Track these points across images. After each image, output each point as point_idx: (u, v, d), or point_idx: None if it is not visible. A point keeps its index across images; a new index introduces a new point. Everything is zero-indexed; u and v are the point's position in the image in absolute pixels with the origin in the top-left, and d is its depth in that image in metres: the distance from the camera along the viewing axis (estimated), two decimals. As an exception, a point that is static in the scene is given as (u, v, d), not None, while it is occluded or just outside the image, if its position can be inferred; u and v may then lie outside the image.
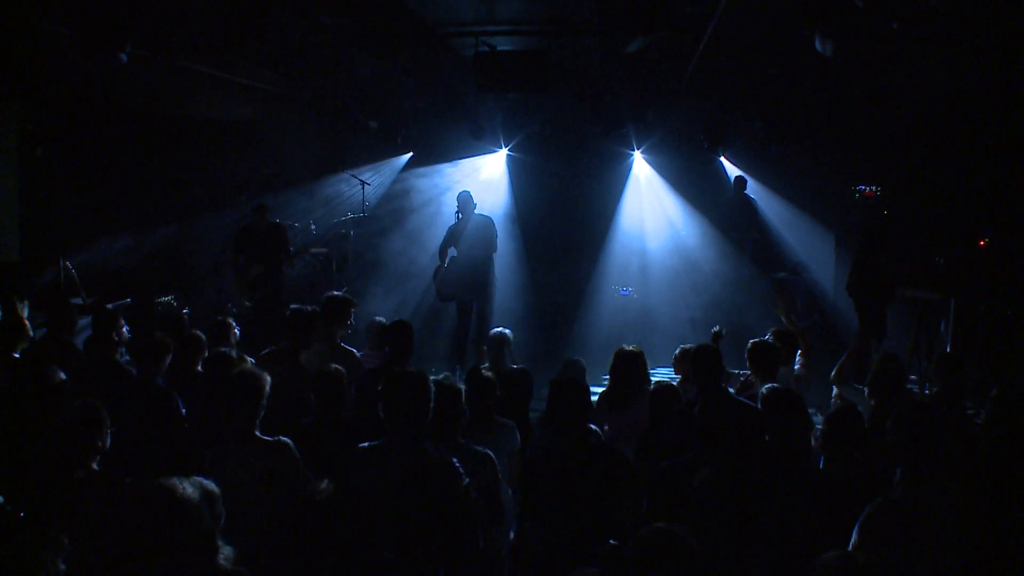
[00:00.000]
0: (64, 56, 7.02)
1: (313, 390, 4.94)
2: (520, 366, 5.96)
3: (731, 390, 5.36)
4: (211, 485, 3.14)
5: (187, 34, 6.73)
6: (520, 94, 9.15)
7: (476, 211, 9.04)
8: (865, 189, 10.82)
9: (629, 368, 5.33)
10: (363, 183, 11.60)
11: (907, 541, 3.07)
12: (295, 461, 4.01)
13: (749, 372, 5.60)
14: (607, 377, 5.74)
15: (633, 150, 12.52)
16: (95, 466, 3.80)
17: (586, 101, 11.38)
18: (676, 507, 3.12)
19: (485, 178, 12.81)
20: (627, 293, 11.82)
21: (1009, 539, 3.38)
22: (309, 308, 5.96)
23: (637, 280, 12.09)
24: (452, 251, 9.00)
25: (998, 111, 9.23)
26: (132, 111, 9.79)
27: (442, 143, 12.28)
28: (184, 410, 5.03)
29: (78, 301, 8.38)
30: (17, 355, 5.67)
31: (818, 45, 5.22)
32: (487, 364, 6.09)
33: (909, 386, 6.27)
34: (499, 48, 7.59)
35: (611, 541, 2.61)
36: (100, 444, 3.87)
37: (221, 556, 2.82)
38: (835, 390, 5.81)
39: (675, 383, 6.09)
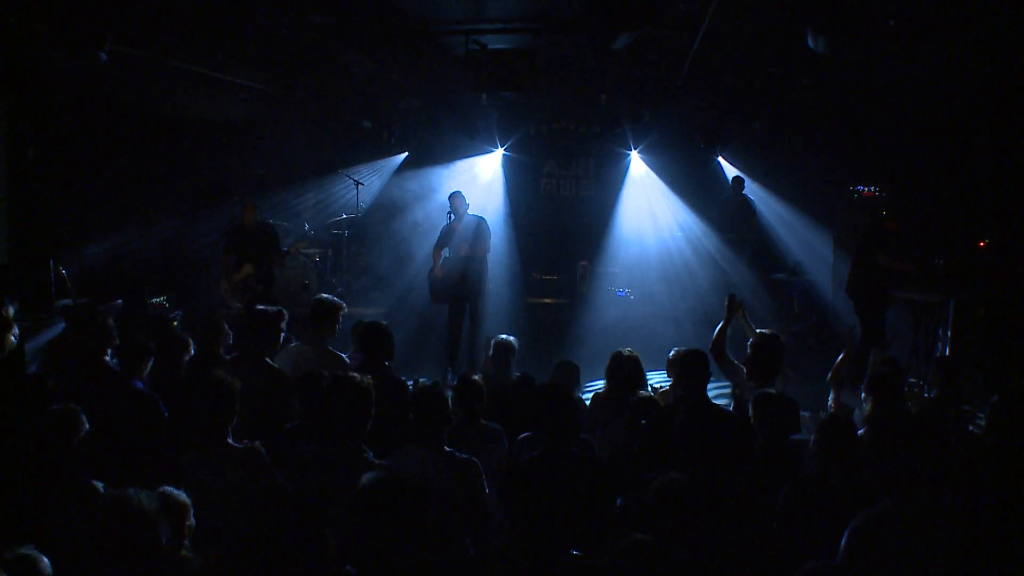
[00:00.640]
0: (51, 54, 6.95)
1: (298, 394, 4.87)
2: (522, 373, 5.87)
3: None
4: (181, 496, 3.08)
5: (171, 32, 6.64)
6: (514, 93, 9.06)
7: (469, 211, 8.98)
8: (864, 189, 10.74)
9: (624, 372, 5.24)
10: (357, 183, 11.54)
11: (896, 553, 3.00)
12: (267, 468, 3.94)
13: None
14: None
15: (630, 150, 12.47)
16: (74, 470, 3.75)
17: (582, 100, 11.33)
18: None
19: (480, 178, 12.75)
20: (624, 295, 11.74)
21: (1011, 546, 3.31)
22: (273, 309, 5.89)
23: (634, 281, 12.01)
24: (445, 252, 8.94)
25: (997, 111, 9.15)
26: (124, 111, 9.73)
27: (437, 143, 12.22)
28: (167, 413, 4.95)
29: (68, 303, 8.31)
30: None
31: (811, 42, 5.14)
32: (493, 371, 6.02)
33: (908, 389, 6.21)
34: (490, 47, 7.52)
35: (573, 552, 2.52)
36: (78, 449, 3.81)
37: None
38: (832, 393, 5.73)
39: (668, 386, 6.04)
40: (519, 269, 12.42)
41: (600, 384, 6.14)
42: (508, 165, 12.85)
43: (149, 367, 5.29)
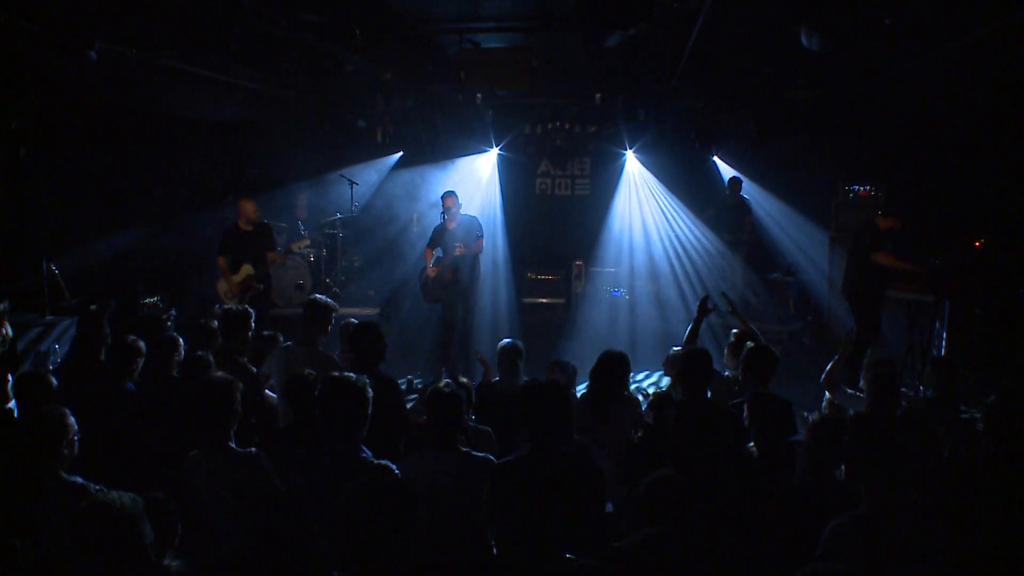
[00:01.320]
0: (42, 54, 6.89)
1: (287, 395, 4.84)
2: (530, 378, 5.83)
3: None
4: (165, 499, 3.04)
5: (163, 30, 6.59)
6: (508, 92, 9.05)
7: (462, 210, 8.94)
8: (859, 189, 10.73)
9: (608, 371, 5.19)
10: (352, 183, 11.50)
11: (871, 558, 2.96)
12: (267, 473, 3.91)
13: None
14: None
15: (625, 149, 12.44)
16: (63, 473, 3.72)
17: (577, 100, 11.30)
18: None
19: (475, 178, 12.71)
20: (619, 294, 11.72)
21: (1011, 545, 3.29)
22: (238, 308, 5.90)
23: (629, 281, 11.99)
24: (438, 251, 8.91)
25: (994, 111, 9.14)
26: (116, 111, 9.66)
27: (431, 142, 12.18)
28: (160, 414, 4.91)
29: (60, 303, 8.29)
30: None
31: (804, 40, 5.12)
32: (501, 375, 5.99)
33: (904, 390, 6.17)
34: (484, 46, 7.49)
35: (568, 555, 2.48)
36: (67, 452, 3.78)
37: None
38: (827, 395, 5.71)
39: (665, 387, 6.01)
40: (513, 269, 12.40)
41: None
42: (503, 164, 12.82)
43: (139, 368, 5.26)
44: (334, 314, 6.07)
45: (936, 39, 6.99)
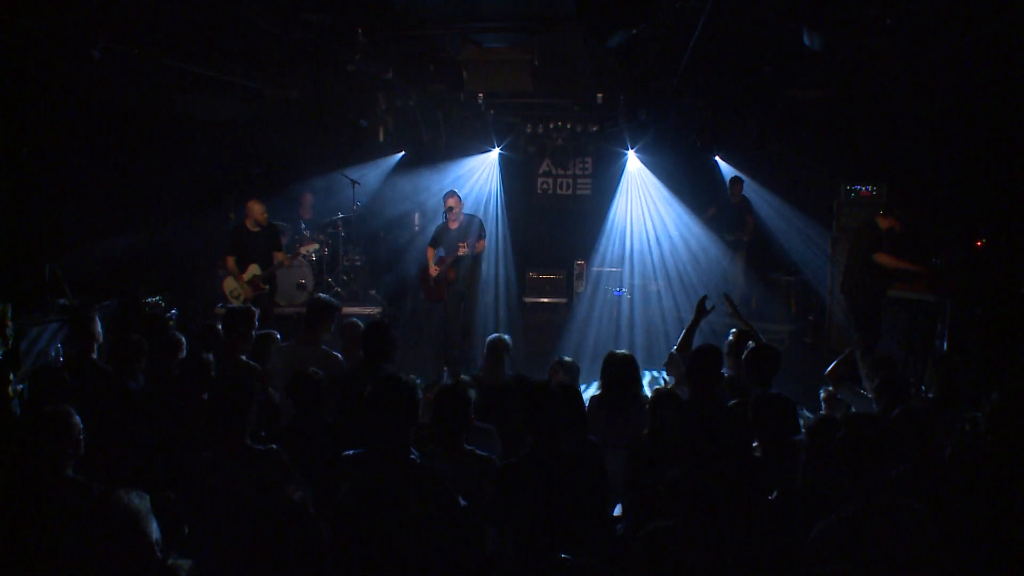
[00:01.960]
0: (45, 53, 6.91)
1: (291, 394, 4.85)
2: (516, 373, 5.85)
3: None
4: (172, 498, 3.05)
5: (164, 30, 6.61)
6: (509, 92, 9.05)
7: (464, 210, 8.95)
8: (861, 189, 10.73)
9: (620, 373, 5.20)
10: (353, 183, 11.51)
11: (857, 561, 2.95)
12: (286, 468, 3.90)
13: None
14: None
15: (627, 149, 12.44)
16: (70, 472, 3.72)
17: (578, 100, 11.30)
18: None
19: (477, 177, 12.72)
20: (620, 294, 11.72)
21: (1011, 545, 3.29)
22: (242, 307, 5.92)
23: (630, 280, 11.99)
24: (439, 251, 8.92)
25: (995, 110, 9.14)
26: (118, 110, 9.68)
27: (433, 142, 12.18)
28: (165, 413, 4.91)
29: (63, 302, 8.30)
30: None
31: (806, 39, 5.12)
32: (486, 370, 5.99)
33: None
34: (486, 46, 7.50)
35: (563, 556, 2.49)
36: (72, 450, 3.78)
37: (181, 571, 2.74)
38: (822, 392, 5.72)
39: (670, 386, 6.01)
40: (515, 268, 12.40)
41: (595, 384, 6.11)
42: (504, 164, 12.83)
43: (143, 366, 5.28)
44: (337, 313, 6.09)
45: (936, 39, 6.99)
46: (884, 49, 7.26)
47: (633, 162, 12.67)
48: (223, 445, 3.90)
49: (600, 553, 2.87)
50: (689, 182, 12.32)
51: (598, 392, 5.49)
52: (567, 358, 6.09)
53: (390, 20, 6.85)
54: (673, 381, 5.91)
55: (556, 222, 13.11)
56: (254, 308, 6.04)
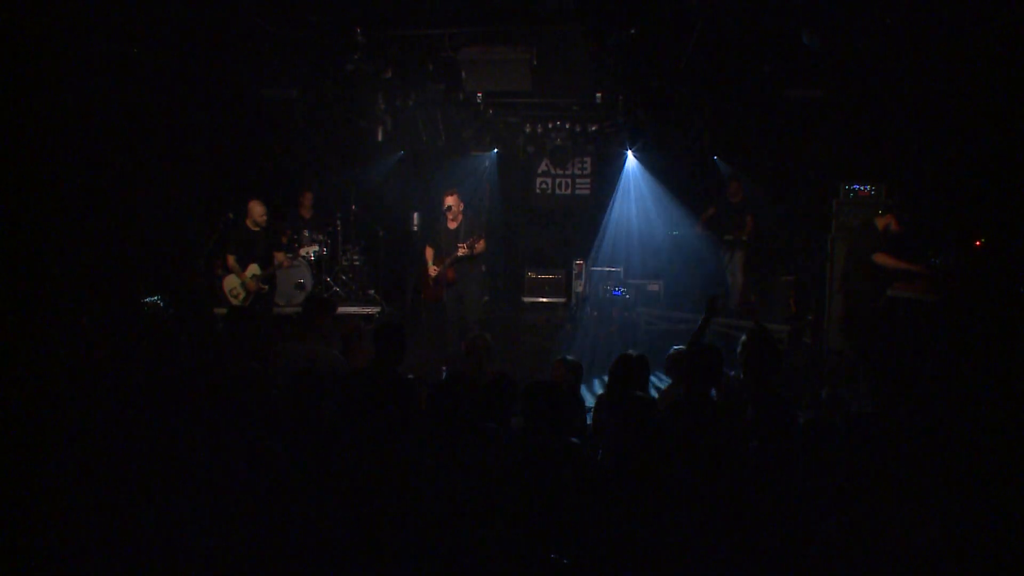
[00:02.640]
0: (46, 50, 6.90)
1: (292, 392, 4.84)
2: (498, 370, 5.85)
3: None
4: None
5: (164, 30, 6.61)
6: (509, 91, 9.06)
7: (463, 209, 8.93)
8: (859, 189, 10.71)
9: (626, 373, 5.18)
10: (352, 182, 11.50)
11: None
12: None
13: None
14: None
15: (626, 149, 12.43)
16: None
17: (578, 99, 11.30)
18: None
19: (476, 177, 12.71)
20: (619, 294, 11.71)
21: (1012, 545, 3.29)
22: (246, 307, 5.95)
23: (629, 280, 11.99)
24: (438, 251, 8.90)
25: (995, 110, 9.12)
26: (119, 109, 9.65)
27: (432, 141, 12.18)
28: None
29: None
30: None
31: (805, 39, 5.12)
32: (468, 368, 5.99)
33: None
34: (484, 45, 7.49)
35: (552, 556, 2.49)
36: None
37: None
38: (823, 393, 5.72)
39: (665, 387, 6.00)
40: (514, 268, 12.39)
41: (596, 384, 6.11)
42: (503, 164, 12.81)
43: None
44: (335, 312, 6.09)
45: (936, 38, 6.99)
46: (884, 49, 7.27)
47: (632, 161, 12.67)
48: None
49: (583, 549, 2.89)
50: (688, 182, 12.32)
51: (604, 392, 5.49)
52: (570, 357, 6.08)
53: (389, 20, 6.85)
54: (670, 382, 5.90)
55: (555, 222, 13.11)
56: (254, 307, 6.03)
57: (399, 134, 11.35)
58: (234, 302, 8.54)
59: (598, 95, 10.34)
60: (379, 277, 12.01)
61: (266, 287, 8.71)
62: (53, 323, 7.77)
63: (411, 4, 6.71)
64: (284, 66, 8.54)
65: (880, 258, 7.96)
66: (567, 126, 11.96)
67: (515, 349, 9.92)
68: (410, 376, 5.95)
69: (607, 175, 12.94)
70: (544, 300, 12.10)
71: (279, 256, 8.79)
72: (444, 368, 8.54)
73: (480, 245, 8.83)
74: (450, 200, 8.80)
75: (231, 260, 8.67)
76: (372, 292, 11.61)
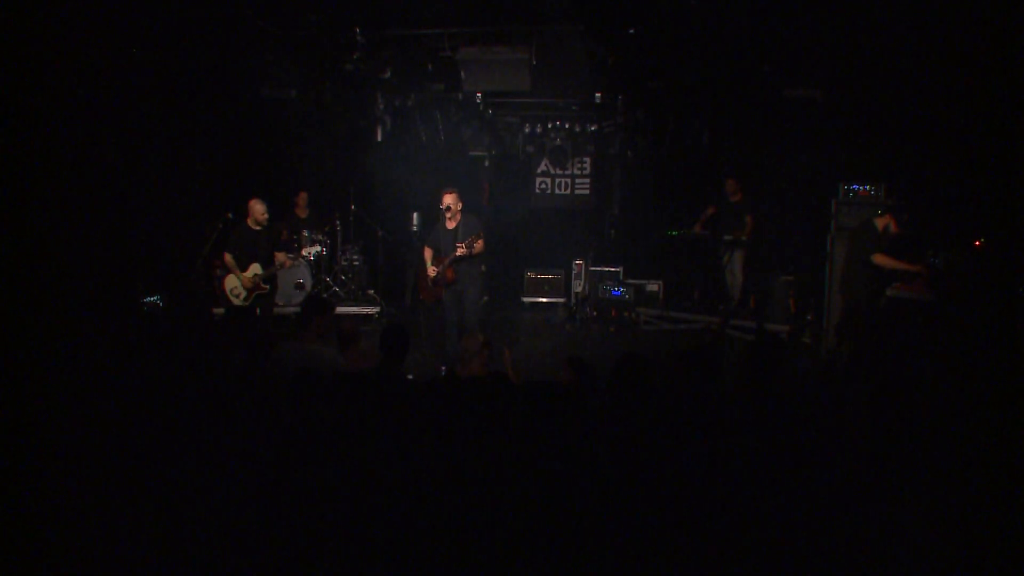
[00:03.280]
0: (46, 49, 6.90)
1: (292, 392, 4.84)
2: (494, 370, 5.85)
3: None
4: None
5: (164, 29, 6.61)
6: (508, 91, 9.05)
7: (461, 209, 8.91)
8: (859, 189, 10.71)
9: (632, 375, 5.17)
10: (351, 182, 11.50)
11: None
12: None
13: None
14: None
15: (625, 149, 12.42)
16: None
17: (577, 99, 11.30)
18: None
19: (475, 177, 12.72)
20: (619, 294, 11.71)
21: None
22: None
23: (629, 280, 11.99)
24: (437, 250, 8.88)
25: (995, 110, 9.12)
26: (118, 109, 9.65)
27: (431, 141, 12.18)
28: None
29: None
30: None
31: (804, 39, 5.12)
32: (459, 366, 6.00)
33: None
34: (483, 45, 7.50)
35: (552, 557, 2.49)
36: None
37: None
38: (822, 392, 5.70)
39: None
40: (513, 268, 12.38)
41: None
42: (502, 163, 12.81)
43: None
44: (333, 312, 6.09)
45: (936, 38, 6.99)
46: (884, 49, 7.27)
47: (631, 162, 12.66)
48: None
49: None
50: (687, 182, 12.31)
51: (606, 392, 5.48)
52: (578, 356, 6.07)
53: (389, 20, 6.85)
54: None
55: (554, 222, 13.11)
56: (254, 307, 6.04)
57: (398, 134, 11.34)
58: (235, 302, 8.52)
59: (597, 95, 10.34)
60: (378, 277, 12.01)
61: (267, 287, 8.70)
62: (52, 323, 7.79)
63: (410, 4, 6.71)
64: (283, 66, 8.53)
65: (879, 258, 7.96)
66: (566, 126, 11.97)
67: (515, 349, 9.91)
68: (410, 377, 5.97)
69: (606, 175, 12.93)
70: (544, 300, 12.09)
71: (280, 256, 8.78)
72: (443, 369, 8.55)
73: (479, 245, 8.80)
74: (448, 199, 8.75)
75: (228, 258, 8.65)
76: (371, 292, 11.61)
